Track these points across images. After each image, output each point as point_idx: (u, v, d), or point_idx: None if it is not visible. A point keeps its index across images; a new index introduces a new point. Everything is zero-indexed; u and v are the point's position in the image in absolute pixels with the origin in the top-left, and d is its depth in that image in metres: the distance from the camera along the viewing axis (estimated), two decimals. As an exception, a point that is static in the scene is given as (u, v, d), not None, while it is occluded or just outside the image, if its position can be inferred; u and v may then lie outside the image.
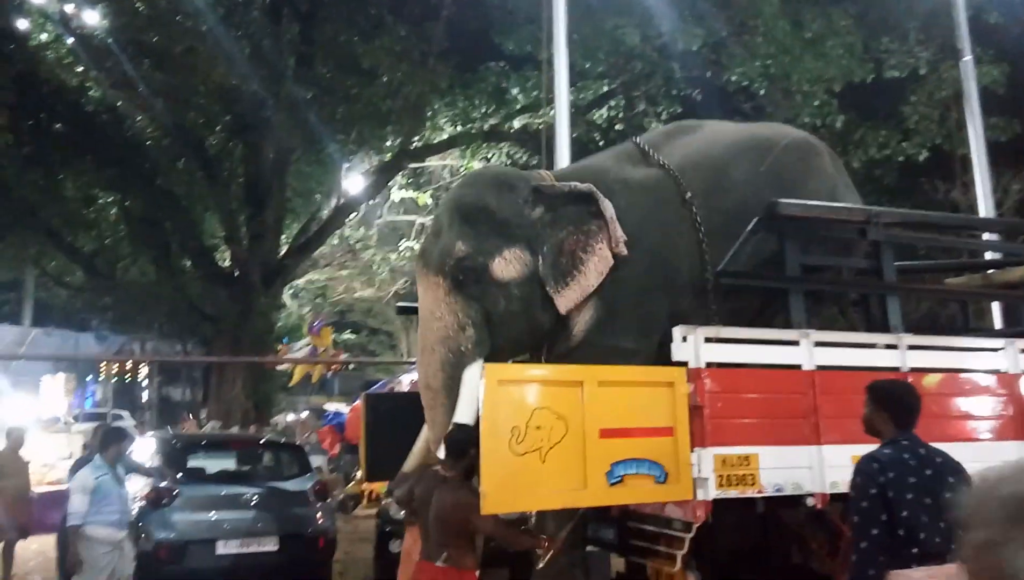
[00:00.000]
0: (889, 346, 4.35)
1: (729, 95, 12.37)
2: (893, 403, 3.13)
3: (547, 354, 4.37)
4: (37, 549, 8.70)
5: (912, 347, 4.31)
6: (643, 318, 4.30)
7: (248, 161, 13.49)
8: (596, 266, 4.13)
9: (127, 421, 14.62)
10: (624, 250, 4.13)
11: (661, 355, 4.20)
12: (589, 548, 5.13)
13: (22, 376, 14.49)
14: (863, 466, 2.95)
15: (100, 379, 17.51)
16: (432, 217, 4.59)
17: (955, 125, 10.41)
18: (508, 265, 4.12)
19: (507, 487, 3.37)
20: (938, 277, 6.83)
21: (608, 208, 4.16)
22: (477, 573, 3.60)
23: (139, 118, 12.94)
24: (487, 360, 3.99)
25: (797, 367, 4.10)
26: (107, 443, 5.63)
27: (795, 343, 4.13)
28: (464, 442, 3.65)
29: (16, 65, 10.24)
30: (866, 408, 3.19)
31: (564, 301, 4.13)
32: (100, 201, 14.40)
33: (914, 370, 4.27)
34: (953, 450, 4.16)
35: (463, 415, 3.89)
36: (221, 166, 13.65)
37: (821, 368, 4.10)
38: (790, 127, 5.62)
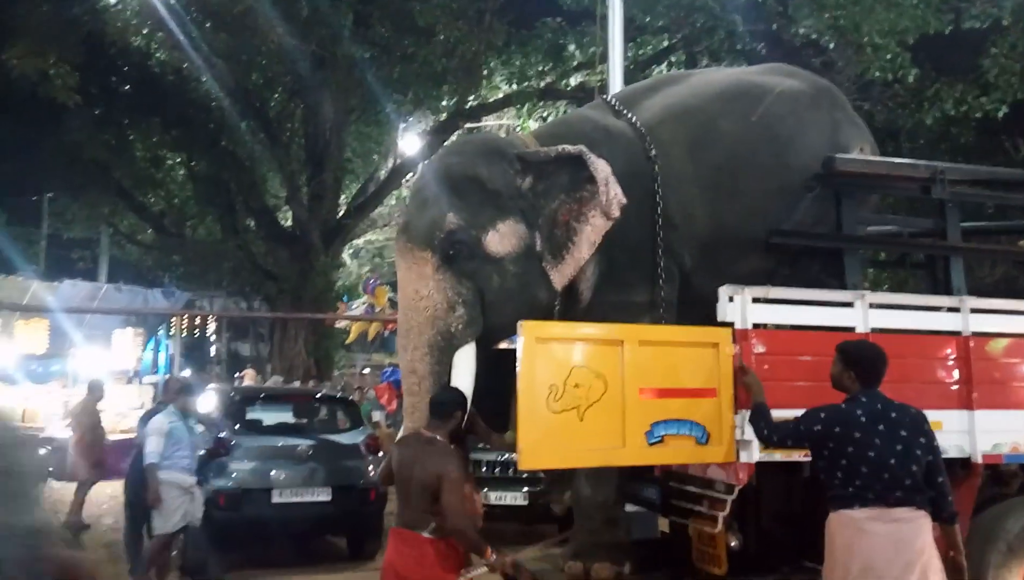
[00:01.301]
0: (951, 309, 4.17)
1: (796, 49, 11.83)
2: (860, 363, 3.26)
3: (557, 318, 4.17)
4: (111, 493, 9.18)
5: (975, 310, 4.11)
6: (646, 269, 4.10)
7: (308, 122, 13.66)
8: (589, 236, 3.85)
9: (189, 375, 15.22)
10: (616, 213, 3.81)
11: (681, 312, 4.14)
12: (634, 508, 5.15)
13: (95, 330, 15.23)
14: (809, 413, 3.30)
15: (171, 334, 18.22)
16: (413, 188, 4.33)
17: (1039, 79, 9.79)
18: (503, 239, 3.84)
19: (543, 444, 3.36)
20: (1013, 239, 6.50)
21: (602, 169, 3.81)
22: None
23: (203, 80, 13.22)
24: (478, 342, 3.83)
25: (850, 330, 3.96)
26: (177, 393, 6.02)
27: (849, 305, 3.99)
28: (450, 403, 3.53)
29: (84, 27, 10.52)
30: (834, 367, 3.34)
31: (559, 276, 3.90)
32: (167, 161, 14.84)
33: (976, 334, 4.08)
34: (1018, 418, 4.06)
35: None
36: (282, 127, 13.88)
37: (876, 331, 3.96)
38: (786, 70, 5.11)
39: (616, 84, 8.25)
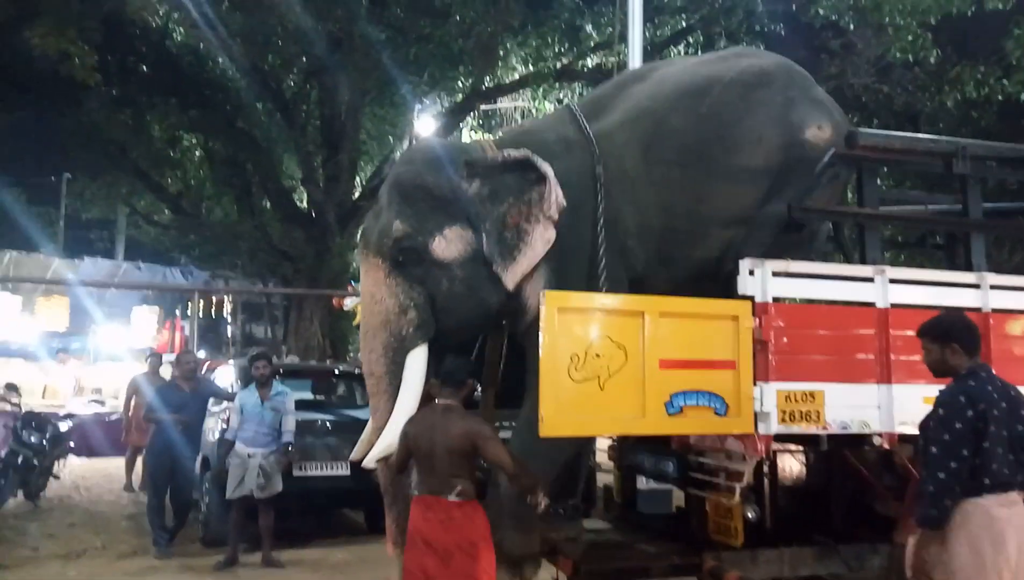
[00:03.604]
0: (971, 286, 4.17)
1: (816, 31, 11.77)
2: (960, 334, 3.10)
3: (508, 329, 4.29)
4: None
5: (995, 287, 4.12)
6: (594, 281, 4.09)
7: (324, 103, 13.66)
8: (542, 235, 3.91)
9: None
10: (555, 216, 3.89)
11: None
12: (649, 484, 5.21)
13: (114, 307, 15.42)
14: (949, 399, 2.99)
15: (187, 314, 18.39)
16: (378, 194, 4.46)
17: (1063, 61, 9.67)
18: (449, 244, 3.96)
19: (564, 412, 3.40)
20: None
21: (548, 170, 3.90)
22: None
23: (220, 60, 13.24)
24: (431, 344, 3.96)
25: (870, 304, 3.98)
26: (249, 367, 6.45)
27: (869, 280, 4.00)
28: (461, 371, 3.70)
29: (104, 6, 10.55)
30: (930, 352, 3.15)
31: (511, 276, 3.94)
32: (184, 142, 14.90)
33: (996, 311, 4.09)
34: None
35: (405, 402, 3.84)
36: (298, 108, 13.88)
37: (895, 306, 3.97)
38: (745, 52, 5.00)
39: (635, 65, 8.24)
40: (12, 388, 9.98)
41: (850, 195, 5.30)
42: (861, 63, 11.79)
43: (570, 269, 4.09)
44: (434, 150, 4.37)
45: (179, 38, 13.12)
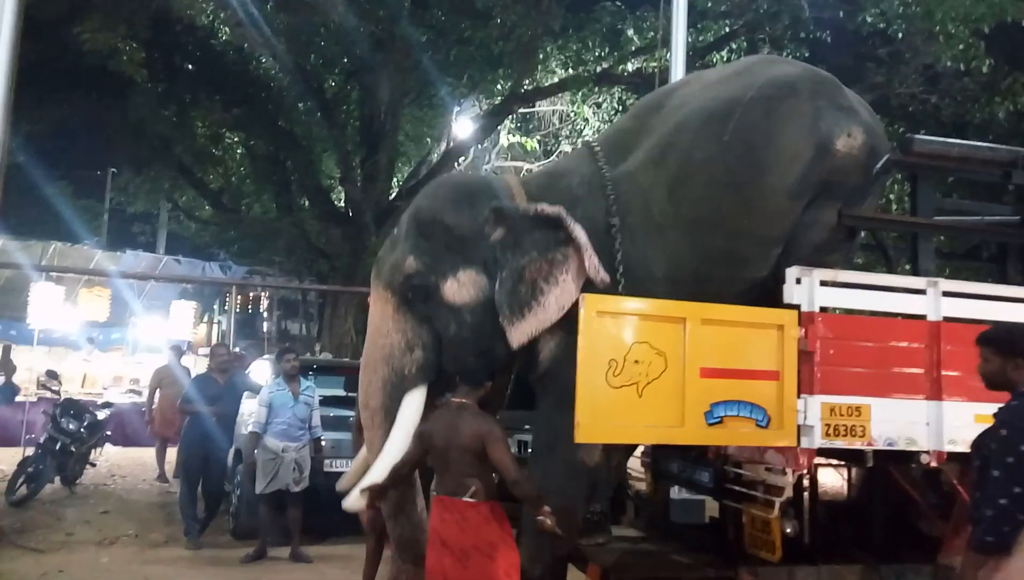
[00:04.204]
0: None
1: (863, 38, 11.50)
2: None
3: (519, 377, 4.13)
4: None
5: (1055, 302, 3.95)
6: None
7: (364, 104, 13.77)
8: (558, 299, 3.67)
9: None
10: (600, 279, 3.68)
11: None
12: (682, 494, 5.11)
13: (154, 300, 15.74)
14: (1012, 419, 2.80)
15: (225, 309, 18.64)
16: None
17: (1122, 71, 9.33)
18: (461, 288, 3.82)
19: (601, 418, 3.34)
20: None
21: (581, 234, 3.70)
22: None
23: (263, 59, 13.41)
24: (431, 387, 3.87)
25: (921, 317, 3.85)
26: (278, 361, 6.53)
27: (921, 292, 3.87)
28: (481, 371, 3.68)
29: (152, 4, 10.75)
30: (988, 362, 2.97)
31: (517, 334, 3.72)
32: (226, 139, 15.11)
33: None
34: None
35: (394, 443, 3.73)
36: (338, 108, 14.00)
37: (948, 320, 3.84)
38: (771, 63, 4.68)
39: (678, 70, 8.14)
40: (53, 376, 10.23)
41: (893, 204, 5.15)
42: (908, 72, 11.51)
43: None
44: (460, 187, 4.22)
45: (224, 37, 13.31)
